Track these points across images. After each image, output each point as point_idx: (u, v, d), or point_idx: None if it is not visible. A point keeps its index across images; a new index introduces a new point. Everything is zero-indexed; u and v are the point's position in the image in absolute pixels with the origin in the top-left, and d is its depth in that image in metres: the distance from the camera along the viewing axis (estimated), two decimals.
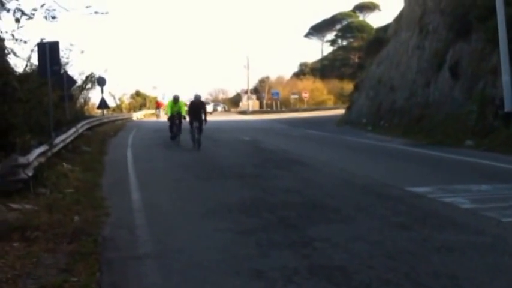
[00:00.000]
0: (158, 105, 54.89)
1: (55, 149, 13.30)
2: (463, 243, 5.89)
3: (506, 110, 16.48)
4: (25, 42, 14.63)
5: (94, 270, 5.32)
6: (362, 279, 4.84)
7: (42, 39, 15.71)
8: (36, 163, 10.26)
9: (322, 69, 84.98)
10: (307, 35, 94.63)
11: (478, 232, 6.41)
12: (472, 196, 8.65)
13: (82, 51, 37.41)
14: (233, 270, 5.24)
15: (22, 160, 9.33)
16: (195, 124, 18.37)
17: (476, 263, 5.26)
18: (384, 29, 40.44)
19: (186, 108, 20.51)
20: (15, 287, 4.89)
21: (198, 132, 18.22)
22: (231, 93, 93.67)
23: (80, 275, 5.18)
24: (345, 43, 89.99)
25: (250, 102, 73.59)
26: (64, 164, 12.88)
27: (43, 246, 6.16)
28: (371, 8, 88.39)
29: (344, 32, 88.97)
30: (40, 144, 11.71)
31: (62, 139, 15.07)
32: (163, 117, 49.72)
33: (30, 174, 9.41)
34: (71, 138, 17.35)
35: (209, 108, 60.45)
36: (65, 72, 22.10)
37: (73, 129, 18.48)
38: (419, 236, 6.22)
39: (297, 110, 61.99)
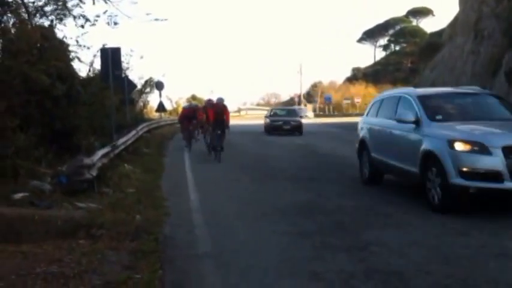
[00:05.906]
0: (188, 115, 21.63)
1: (117, 151, 13.62)
2: None
3: None
4: (88, 48, 15.32)
5: (156, 268, 5.49)
6: (419, 285, 4.85)
7: (104, 45, 16.28)
8: (99, 164, 10.58)
9: (374, 74, 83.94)
10: (360, 40, 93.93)
11: None
12: None
13: (141, 57, 38.81)
14: (290, 271, 5.32)
15: (87, 161, 9.67)
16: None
17: None
18: (438, 34, 39.63)
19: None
20: (81, 282, 5.06)
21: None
22: (284, 98, 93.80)
23: (143, 272, 5.36)
24: (397, 48, 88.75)
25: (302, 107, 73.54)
26: (125, 165, 13.24)
27: (107, 244, 6.39)
28: (424, 13, 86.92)
29: (397, 37, 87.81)
30: (103, 145, 12.11)
31: (123, 141, 15.38)
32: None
33: (94, 174, 9.76)
34: (132, 140, 17.61)
35: None
36: (126, 76, 22.51)
37: (133, 132, 18.82)
38: (477, 242, 6.16)
39: (349, 115, 61.41)
